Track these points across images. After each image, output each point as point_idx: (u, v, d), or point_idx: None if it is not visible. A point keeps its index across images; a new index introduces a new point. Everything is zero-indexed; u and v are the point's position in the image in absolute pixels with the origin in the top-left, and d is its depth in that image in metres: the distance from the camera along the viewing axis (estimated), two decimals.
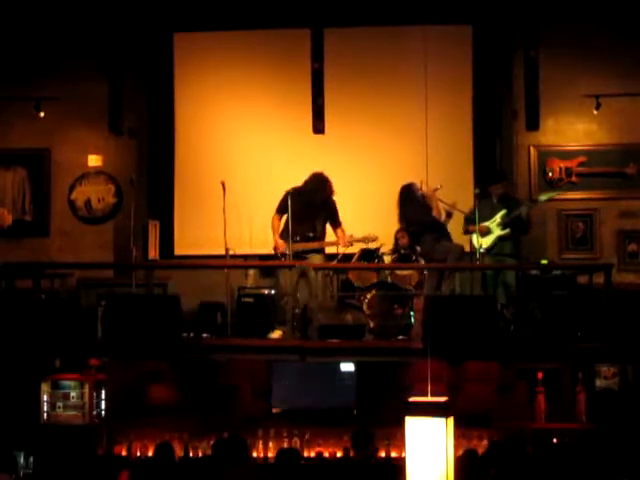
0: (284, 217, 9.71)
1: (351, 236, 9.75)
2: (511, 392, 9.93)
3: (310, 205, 9.48)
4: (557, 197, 10.84)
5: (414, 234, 10.08)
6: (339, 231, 9.76)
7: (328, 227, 10.01)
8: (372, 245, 10.12)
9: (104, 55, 11.43)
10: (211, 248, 10.66)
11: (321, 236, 9.70)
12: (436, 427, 5.26)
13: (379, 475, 7.70)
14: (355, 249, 10.31)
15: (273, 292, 9.82)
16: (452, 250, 9.77)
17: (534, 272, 9.87)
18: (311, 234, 9.49)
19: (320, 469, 9.25)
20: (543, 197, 10.25)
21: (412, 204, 10.02)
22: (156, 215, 11.51)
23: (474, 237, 9.90)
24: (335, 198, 9.78)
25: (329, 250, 10.24)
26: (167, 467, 7.98)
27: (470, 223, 9.89)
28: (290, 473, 7.61)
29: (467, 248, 9.90)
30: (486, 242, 9.85)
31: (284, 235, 9.61)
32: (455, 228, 10.10)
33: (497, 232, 9.81)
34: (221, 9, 11.52)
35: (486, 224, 9.85)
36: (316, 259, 9.55)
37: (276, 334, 9.38)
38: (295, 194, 9.66)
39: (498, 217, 9.81)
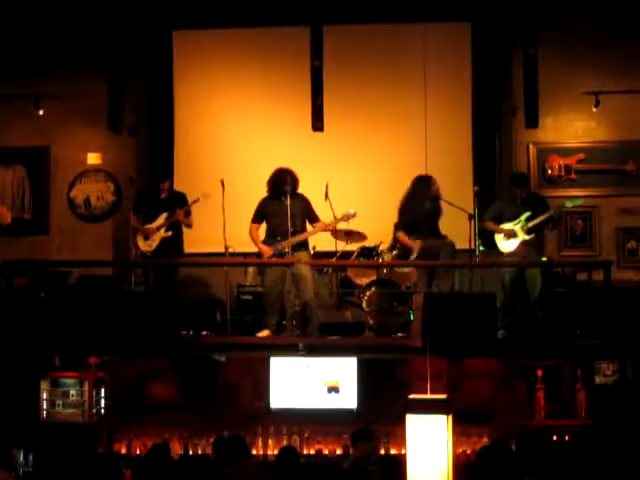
0: (262, 225, 9.72)
1: (331, 222, 9.68)
2: (511, 389, 9.97)
3: (281, 201, 9.44)
4: (556, 195, 10.85)
5: (410, 227, 9.93)
6: (318, 224, 9.70)
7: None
8: (361, 233, 10.10)
9: (103, 53, 11.41)
10: (210, 246, 10.64)
11: (302, 230, 9.66)
12: (436, 424, 5.28)
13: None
14: (354, 246, 10.31)
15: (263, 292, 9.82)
16: (443, 248, 9.70)
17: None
18: (291, 229, 9.47)
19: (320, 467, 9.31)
20: (569, 204, 10.14)
21: (424, 198, 9.85)
22: None
23: (498, 238, 9.84)
24: (305, 193, 9.72)
25: (326, 248, 10.23)
26: (163, 468, 7.96)
27: (494, 222, 9.82)
28: (290, 471, 7.62)
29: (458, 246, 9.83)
30: (510, 246, 9.77)
31: (267, 240, 9.61)
32: (456, 226, 10.03)
33: (522, 237, 9.70)
34: (220, 7, 11.51)
35: (510, 226, 9.74)
36: (303, 256, 9.52)
37: (264, 333, 9.39)
38: (266, 199, 9.68)
39: (523, 219, 9.71)
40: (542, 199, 10.15)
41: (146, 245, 10.05)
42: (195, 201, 10.09)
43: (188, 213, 10.17)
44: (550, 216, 9.70)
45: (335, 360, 10.00)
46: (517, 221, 9.72)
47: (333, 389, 10.02)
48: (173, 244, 10.11)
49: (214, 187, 9.92)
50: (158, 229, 10.05)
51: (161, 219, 10.06)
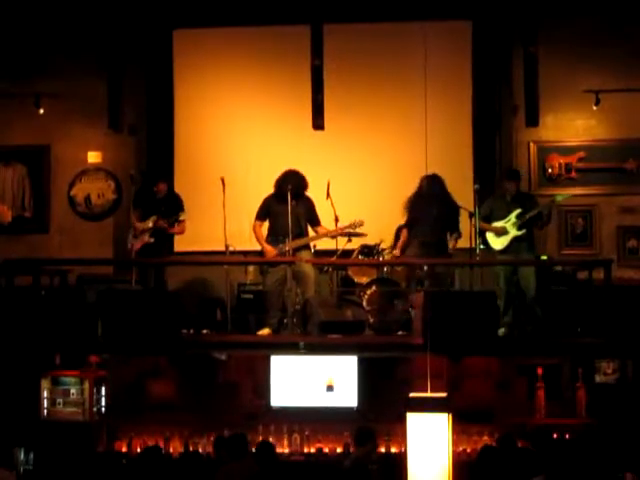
0: (265, 223, 9.73)
1: (337, 230, 9.71)
2: (511, 388, 9.96)
3: (286, 202, 9.42)
4: (556, 193, 10.84)
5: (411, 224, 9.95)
6: (320, 228, 9.72)
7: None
8: (362, 232, 10.04)
9: (104, 52, 11.41)
10: (211, 244, 10.65)
11: (306, 232, 9.68)
12: (437, 422, 5.28)
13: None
14: (354, 245, 10.31)
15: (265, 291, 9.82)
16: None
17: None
18: (297, 231, 9.49)
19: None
20: (559, 197, 10.15)
21: (427, 197, 9.85)
22: None
23: (490, 236, 9.83)
24: (311, 196, 9.72)
25: (326, 246, 10.23)
26: (156, 470, 7.95)
27: (485, 222, 9.81)
28: (268, 466, 7.59)
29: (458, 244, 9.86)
30: (501, 242, 9.76)
31: (269, 239, 9.62)
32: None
33: (513, 232, 9.70)
34: (220, 6, 11.52)
35: (501, 224, 9.75)
36: (305, 255, 9.53)
37: (265, 332, 9.40)
38: (272, 197, 9.68)
39: (513, 216, 9.70)
40: (532, 196, 10.24)
41: (134, 243, 10.03)
42: (179, 221, 10.04)
43: (172, 224, 10.08)
44: (539, 212, 9.70)
45: (332, 358, 9.97)
46: (507, 219, 9.74)
47: (329, 387, 10.00)
48: (156, 250, 10.03)
49: (214, 185, 9.92)
50: (143, 232, 10.02)
51: (150, 222, 10.02)
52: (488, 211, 9.89)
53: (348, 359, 9.95)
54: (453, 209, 9.79)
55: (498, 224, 9.78)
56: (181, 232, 10.20)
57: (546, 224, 10.04)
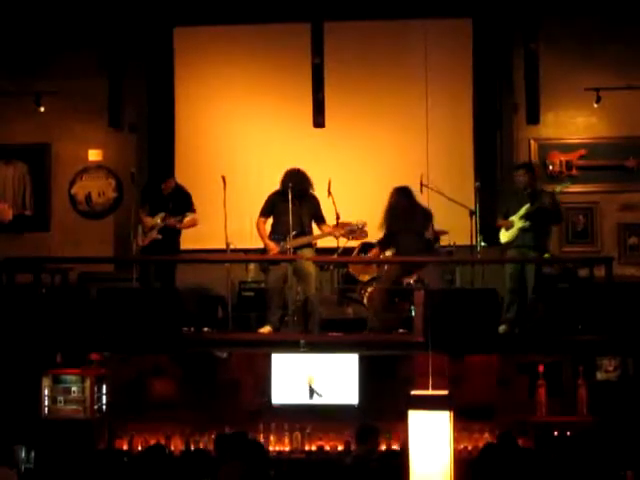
0: (269, 220, 9.71)
1: (339, 230, 9.67)
2: (512, 385, 9.96)
3: (290, 200, 9.40)
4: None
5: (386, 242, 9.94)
6: (324, 227, 9.70)
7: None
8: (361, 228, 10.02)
9: (104, 49, 11.42)
10: (212, 242, 10.65)
11: (309, 231, 9.66)
12: (438, 420, 5.29)
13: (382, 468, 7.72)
14: (355, 243, 10.30)
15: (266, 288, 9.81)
16: None
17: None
18: (298, 230, 9.47)
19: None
20: (558, 188, 10.15)
21: (399, 210, 9.80)
22: None
23: (501, 231, 9.84)
24: (316, 194, 9.71)
25: (327, 244, 10.22)
26: (159, 468, 7.94)
27: (503, 218, 9.81)
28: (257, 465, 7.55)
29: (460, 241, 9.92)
30: (508, 235, 9.74)
31: (272, 237, 9.60)
32: (457, 222, 10.04)
33: (518, 224, 9.69)
34: (221, 4, 11.53)
35: (511, 218, 9.77)
36: (307, 253, 9.52)
37: (265, 329, 9.39)
38: (277, 194, 9.67)
39: (522, 210, 9.69)
40: (540, 191, 10.19)
41: (142, 239, 10.03)
42: (185, 216, 10.03)
43: (181, 222, 10.07)
44: (542, 203, 9.69)
45: (333, 356, 9.95)
46: (518, 213, 9.73)
47: (310, 387, 9.99)
48: (164, 247, 10.01)
49: (215, 183, 9.92)
50: (152, 228, 10.01)
51: (158, 218, 10.01)
52: (505, 209, 9.88)
53: (349, 357, 9.94)
54: (425, 217, 9.69)
55: (508, 220, 9.78)
56: (192, 225, 10.15)
57: (556, 217, 9.94)
